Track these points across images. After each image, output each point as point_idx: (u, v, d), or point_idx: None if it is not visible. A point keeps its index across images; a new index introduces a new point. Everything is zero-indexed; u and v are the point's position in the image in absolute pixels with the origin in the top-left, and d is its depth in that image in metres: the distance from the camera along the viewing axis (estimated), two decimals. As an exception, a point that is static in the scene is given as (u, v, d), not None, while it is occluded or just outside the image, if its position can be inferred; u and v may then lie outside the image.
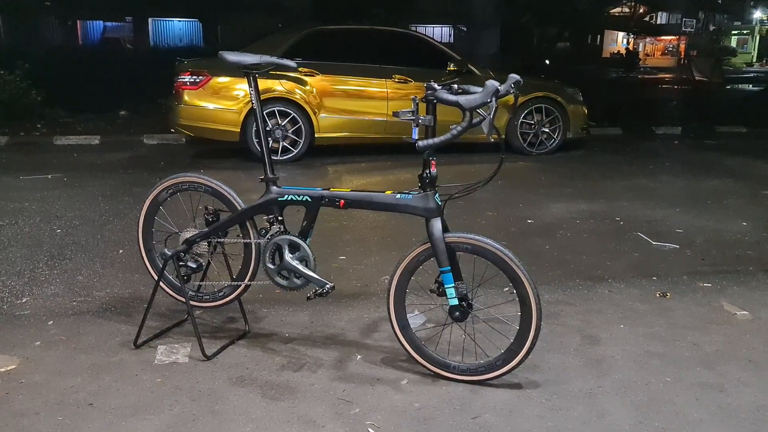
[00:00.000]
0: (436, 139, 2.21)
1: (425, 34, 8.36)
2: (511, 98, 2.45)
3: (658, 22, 31.73)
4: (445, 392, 2.40)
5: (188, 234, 2.67)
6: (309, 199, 2.51)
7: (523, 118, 7.43)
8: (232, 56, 2.55)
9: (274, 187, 2.57)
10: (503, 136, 2.36)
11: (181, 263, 2.65)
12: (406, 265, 2.45)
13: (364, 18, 14.46)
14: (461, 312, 2.40)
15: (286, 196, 2.53)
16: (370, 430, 2.16)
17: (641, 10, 26.87)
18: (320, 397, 2.35)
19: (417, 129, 2.30)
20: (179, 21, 28.56)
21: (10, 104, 9.32)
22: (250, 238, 2.62)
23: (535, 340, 2.36)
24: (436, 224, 2.36)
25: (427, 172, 2.35)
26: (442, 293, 2.42)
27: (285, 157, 6.83)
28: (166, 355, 2.64)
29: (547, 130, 7.49)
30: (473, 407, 2.30)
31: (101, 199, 5.14)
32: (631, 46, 31.48)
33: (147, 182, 2.91)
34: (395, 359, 2.62)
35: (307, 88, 6.87)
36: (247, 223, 2.62)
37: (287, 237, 2.53)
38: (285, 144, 6.86)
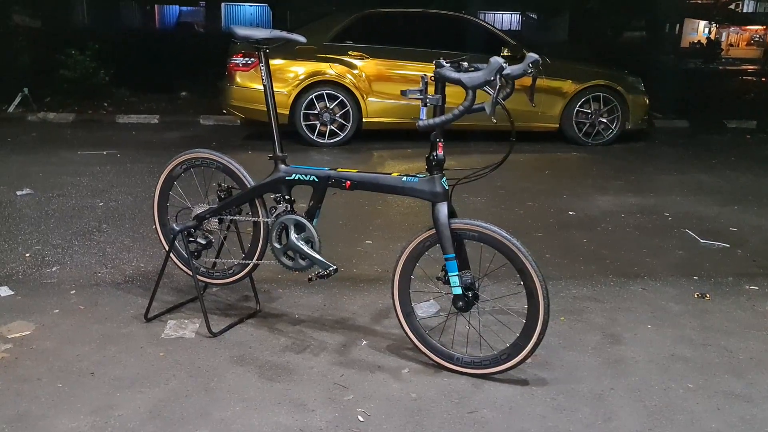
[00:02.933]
0: (437, 119, 2.11)
1: (479, 19, 8.14)
2: (540, 81, 2.31)
3: (744, 11, 29.92)
4: (446, 384, 2.31)
5: (199, 210, 2.67)
6: (316, 179, 2.46)
7: (579, 107, 7.15)
8: (242, 31, 2.52)
9: (282, 166, 2.53)
10: (512, 119, 2.20)
11: (191, 239, 2.66)
12: (411, 251, 2.37)
13: (431, 3, 14.24)
14: (465, 302, 2.29)
15: (294, 175, 2.49)
16: (359, 417, 2.10)
17: (725, -2, 25.41)
18: (317, 380, 2.31)
19: (425, 109, 2.20)
20: (250, 6, 29.09)
21: (79, 83, 9.70)
22: (259, 217, 2.60)
23: (542, 336, 2.23)
24: (442, 209, 2.26)
25: (434, 154, 2.25)
26: (448, 281, 2.32)
27: (332, 141, 6.82)
28: (174, 329, 2.66)
29: (604, 120, 7.18)
30: (472, 401, 2.20)
31: (147, 176, 5.26)
32: (712, 36, 29.84)
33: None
34: (401, 347, 2.54)
35: (356, 72, 6.82)
36: (256, 201, 2.60)
37: (293, 217, 2.49)
38: (332, 128, 6.83)
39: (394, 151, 6.73)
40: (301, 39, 2.57)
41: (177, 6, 29.00)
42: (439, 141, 2.24)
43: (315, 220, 2.52)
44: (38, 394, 2.16)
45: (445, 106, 2.18)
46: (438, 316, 2.73)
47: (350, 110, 6.79)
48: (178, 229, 2.60)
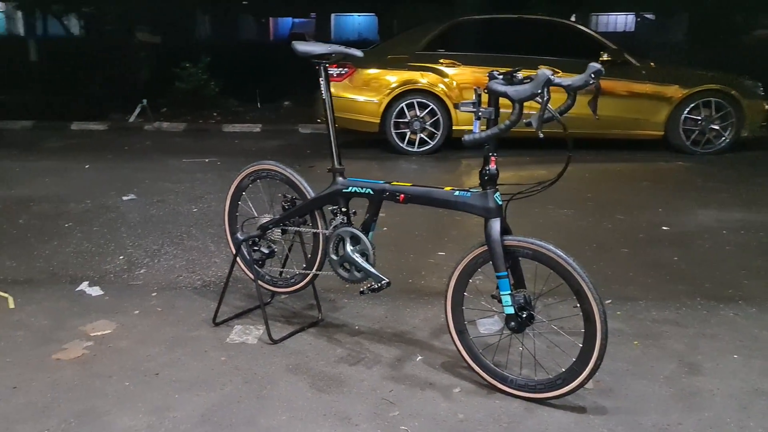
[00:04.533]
0: (483, 134, 2.04)
1: (577, 22, 7.83)
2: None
3: None
4: (497, 407, 2.23)
5: (263, 220, 2.75)
6: (371, 192, 2.46)
7: (687, 113, 6.70)
8: (302, 46, 2.56)
9: (340, 178, 2.55)
10: (567, 131, 2.07)
11: (254, 248, 2.74)
12: (464, 267, 2.31)
13: (538, 8, 13.85)
14: (518, 323, 2.20)
15: (351, 188, 2.51)
16: (401, 435, 2.07)
17: None
18: (365, 394, 2.30)
19: (478, 122, 2.14)
20: (359, 16, 29.75)
21: (192, 94, 10.33)
22: (318, 228, 2.64)
23: (599, 361, 2.10)
24: (495, 225, 2.19)
25: (487, 168, 2.18)
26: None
27: (421, 149, 6.81)
28: (239, 335, 2.75)
29: (716, 127, 6.69)
30: (522, 427, 2.11)
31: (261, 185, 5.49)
32: None
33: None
34: (455, 365, 2.49)
35: (447, 80, 6.77)
36: (316, 213, 2.64)
37: (349, 229, 2.50)
38: (422, 136, 6.82)
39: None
40: (359, 54, 2.58)
41: (290, 18, 30.20)
42: (492, 155, 2.17)
43: (371, 233, 2.52)
44: (107, 391, 2.30)
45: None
46: (499, 335, 2.64)
47: (440, 118, 6.75)
48: (241, 238, 2.69)
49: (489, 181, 2.20)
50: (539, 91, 1.89)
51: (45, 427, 2.08)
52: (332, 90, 7.80)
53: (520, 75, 2.09)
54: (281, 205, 2.77)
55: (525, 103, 1.98)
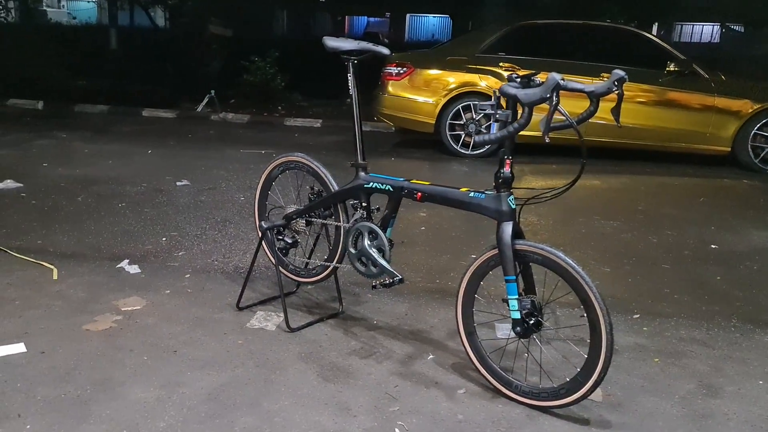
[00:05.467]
0: (492, 135, 2.04)
1: (645, 31, 7.56)
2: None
3: None
4: (499, 411, 2.22)
5: (289, 210, 2.82)
6: (391, 189, 2.48)
7: (758, 129, 6.39)
8: (331, 42, 2.61)
9: (362, 173, 2.59)
10: (582, 139, 2.03)
11: (279, 237, 2.82)
12: (475, 270, 2.31)
13: (618, 16, 13.41)
14: (523, 328, 2.18)
15: (372, 184, 2.54)
16: (396, 429, 2.09)
17: None
18: (370, 387, 2.33)
19: (496, 124, 2.13)
20: (434, 17, 29.73)
21: (259, 87, 10.61)
22: (339, 221, 2.68)
23: (604, 373, 2.06)
24: (506, 228, 2.17)
25: (501, 171, 2.18)
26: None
27: (475, 152, 6.76)
28: (260, 320, 2.83)
29: (789, 144, 6.35)
30: (519, 433, 2.09)
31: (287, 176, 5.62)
32: None
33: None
34: (465, 367, 2.48)
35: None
36: (339, 206, 2.68)
37: (367, 224, 2.54)
38: (476, 139, 6.77)
39: (537, 166, 6.49)
40: (385, 51, 2.60)
41: (365, 17, 30.51)
42: (507, 158, 2.16)
43: (389, 230, 2.55)
44: (126, 364, 2.42)
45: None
46: (509, 338, 2.61)
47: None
48: (265, 226, 2.77)
49: (503, 183, 2.20)
50: (548, 95, 1.87)
51: (63, 392, 2.21)
52: (390, 89, 7.84)
53: (538, 79, 2.07)
54: (308, 197, 2.83)
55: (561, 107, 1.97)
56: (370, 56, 2.62)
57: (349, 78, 2.63)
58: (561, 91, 1.93)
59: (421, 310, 3.01)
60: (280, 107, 10.38)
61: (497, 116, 2.11)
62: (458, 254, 3.78)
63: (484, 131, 6.77)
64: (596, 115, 2.15)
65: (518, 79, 2.07)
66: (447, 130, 6.82)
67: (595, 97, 2.13)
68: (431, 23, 29.85)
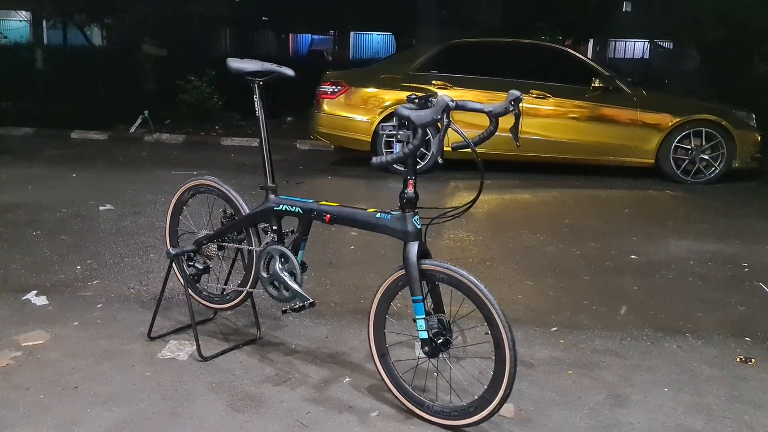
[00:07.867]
0: (388, 157, 2.05)
1: (569, 48, 7.82)
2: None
3: None
4: (410, 433, 2.19)
5: (200, 235, 2.75)
6: (300, 211, 2.45)
7: (677, 142, 6.64)
8: (235, 63, 2.58)
9: (272, 196, 2.55)
10: (479, 159, 2.10)
11: (189, 263, 2.74)
12: (385, 291, 2.30)
13: (551, 34, 13.73)
14: (431, 347, 2.17)
15: (281, 206, 2.50)
16: (303, 459, 2.04)
17: None
18: (281, 415, 2.28)
19: (399, 145, 2.13)
20: (378, 35, 29.97)
21: (195, 107, 10.45)
22: (252, 245, 2.63)
23: (509, 390, 2.06)
24: (412, 249, 2.17)
25: (405, 192, 2.18)
26: (424, 324, 2.21)
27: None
28: (171, 350, 2.74)
29: (707, 156, 6.61)
30: (428, 455, 2.07)
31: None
32: None
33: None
34: (380, 388, 2.45)
35: (437, 100, 6.76)
36: (250, 230, 2.63)
37: (278, 247, 2.49)
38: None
39: (471, 182, 6.57)
40: (290, 73, 2.57)
41: (309, 35, 30.52)
42: (411, 178, 2.17)
43: (301, 252, 2.51)
44: (19, 404, 2.29)
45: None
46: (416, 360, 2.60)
47: (431, 140, 6.73)
48: (173, 252, 2.69)
49: (407, 204, 2.19)
50: (438, 116, 1.88)
51: (-53, 436, 2.08)
52: (326, 107, 7.85)
53: (434, 100, 2.08)
54: (221, 221, 2.77)
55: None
56: (275, 77, 2.58)
57: (255, 99, 2.60)
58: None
59: (343, 332, 2.98)
60: (217, 127, 10.23)
61: (398, 137, 2.11)
62: (385, 273, 3.66)
63: (425, 151, 6.82)
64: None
65: (416, 100, 2.07)
66: (383, 148, 6.84)
67: (494, 117, 2.15)
68: (375, 41, 30.08)
